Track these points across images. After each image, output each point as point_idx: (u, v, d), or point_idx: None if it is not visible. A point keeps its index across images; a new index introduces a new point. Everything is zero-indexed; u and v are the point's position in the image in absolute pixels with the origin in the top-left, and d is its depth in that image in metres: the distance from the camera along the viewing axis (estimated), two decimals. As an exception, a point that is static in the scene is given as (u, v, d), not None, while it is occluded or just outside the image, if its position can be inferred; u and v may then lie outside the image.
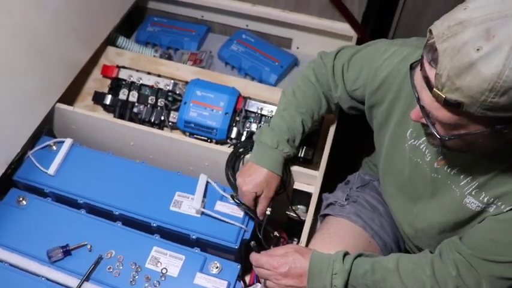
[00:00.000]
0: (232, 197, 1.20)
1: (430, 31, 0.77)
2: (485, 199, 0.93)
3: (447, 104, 0.75)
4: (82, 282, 1.08)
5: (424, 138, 1.02)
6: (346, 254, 1.05)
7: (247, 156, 1.31)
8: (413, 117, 0.89)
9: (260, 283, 1.17)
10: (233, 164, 1.30)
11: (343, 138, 1.51)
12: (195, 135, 1.49)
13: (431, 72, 0.77)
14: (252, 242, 1.14)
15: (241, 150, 1.32)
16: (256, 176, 1.18)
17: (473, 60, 0.70)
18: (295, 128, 1.23)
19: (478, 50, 0.70)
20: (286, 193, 1.27)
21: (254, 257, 1.11)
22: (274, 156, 1.20)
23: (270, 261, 1.07)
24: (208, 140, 1.48)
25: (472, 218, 0.97)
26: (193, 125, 1.48)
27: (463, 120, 0.77)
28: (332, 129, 1.41)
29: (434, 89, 0.76)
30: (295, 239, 1.45)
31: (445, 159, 1.00)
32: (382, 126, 1.13)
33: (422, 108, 0.83)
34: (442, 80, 0.74)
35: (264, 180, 1.18)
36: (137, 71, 1.58)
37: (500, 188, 0.92)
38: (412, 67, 0.85)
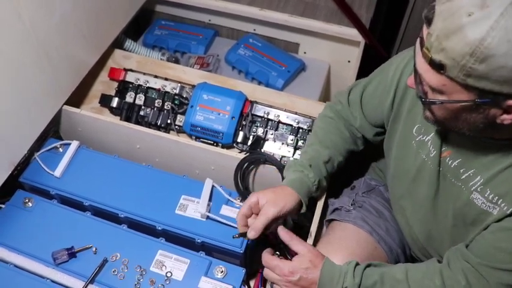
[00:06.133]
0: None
1: None
2: (490, 196, 0.93)
3: (432, 64, 0.79)
4: (87, 285, 1.07)
5: (433, 133, 1.03)
6: (356, 265, 1.05)
7: (261, 166, 1.30)
8: (409, 82, 0.92)
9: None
10: (245, 169, 1.29)
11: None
12: (201, 139, 1.49)
13: (425, 32, 0.80)
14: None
15: (255, 159, 1.31)
16: (275, 190, 1.12)
17: (462, 24, 0.73)
18: (319, 158, 1.20)
19: (469, 15, 0.73)
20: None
21: (266, 257, 1.09)
22: (298, 178, 1.16)
23: (281, 266, 1.06)
24: (215, 144, 1.48)
25: (478, 216, 0.97)
26: (199, 129, 1.48)
27: (447, 85, 0.80)
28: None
29: (424, 48, 0.80)
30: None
31: (447, 150, 1.00)
32: (392, 128, 1.14)
33: (415, 72, 0.86)
34: (432, 39, 0.77)
35: (282, 195, 1.11)
36: (144, 74, 1.59)
37: (503, 186, 0.91)
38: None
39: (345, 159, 1.26)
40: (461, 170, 0.98)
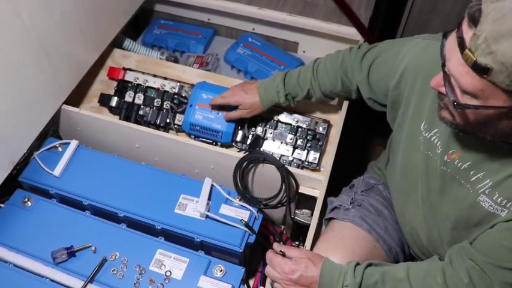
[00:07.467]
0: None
1: None
2: (499, 200, 0.93)
3: (475, 68, 0.74)
4: (86, 284, 1.08)
5: (436, 129, 1.02)
6: (357, 264, 1.05)
7: (260, 165, 1.31)
8: (433, 83, 0.87)
9: (263, 287, 1.17)
10: (244, 168, 1.29)
11: (348, 142, 1.50)
12: (200, 138, 1.49)
13: (468, 33, 0.75)
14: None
15: (254, 158, 1.32)
16: (249, 97, 1.36)
17: None
18: (299, 90, 1.34)
19: None
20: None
21: (270, 254, 1.10)
22: (272, 95, 1.34)
23: (282, 264, 1.06)
24: (214, 143, 1.48)
25: (484, 218, 0.96)
26: (198, 128, 1.48)
27: (485, 90, 0.76)
28: (338, 134, 1.41)
29: (467, 50, 0.74)
30: (298, 243, 1.44)
31: (456, 153, 0.99)
32: (400, 124, 1.13)
33: (445, 74, 0.82)
34: (478, 41, 0.72)
35: (251, 105, 1.37)
36: (143, 73, 1.58)
37: None
38: (445, 35, 0.83)
39: (329, 96, 1.37)
40: (471, 172, 0.97)
